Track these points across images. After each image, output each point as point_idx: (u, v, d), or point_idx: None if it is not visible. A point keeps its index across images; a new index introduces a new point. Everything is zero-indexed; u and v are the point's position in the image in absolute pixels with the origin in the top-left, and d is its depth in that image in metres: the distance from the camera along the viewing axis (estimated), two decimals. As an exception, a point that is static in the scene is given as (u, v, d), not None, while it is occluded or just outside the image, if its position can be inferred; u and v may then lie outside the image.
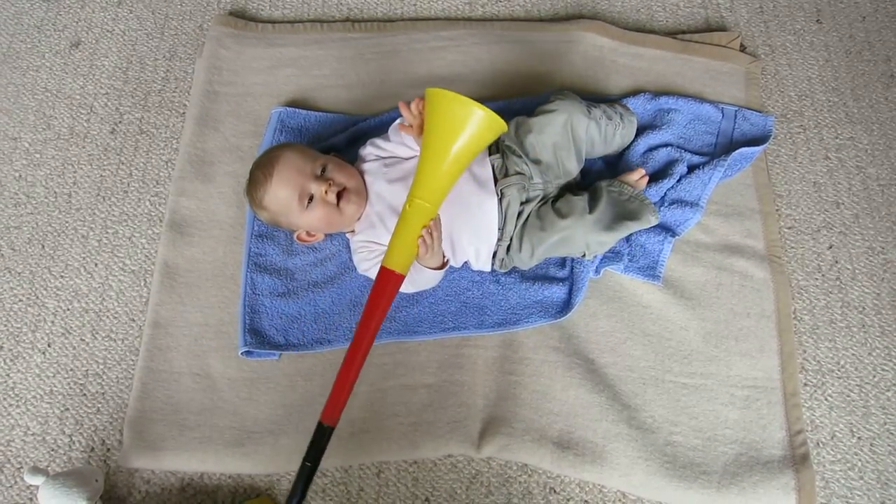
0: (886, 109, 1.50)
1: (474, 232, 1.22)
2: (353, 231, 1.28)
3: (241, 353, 1.25)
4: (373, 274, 1.23)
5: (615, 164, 1.39)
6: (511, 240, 1.23)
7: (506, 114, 1.38)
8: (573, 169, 1.29)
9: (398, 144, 1.28)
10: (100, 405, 1.26)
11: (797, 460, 1.17)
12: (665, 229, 1.31)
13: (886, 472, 1.20)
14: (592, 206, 1.21)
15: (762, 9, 1.62)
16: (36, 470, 1.10)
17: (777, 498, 1.14)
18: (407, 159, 1.27)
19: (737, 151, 1.35)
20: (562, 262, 1.31)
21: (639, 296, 1.29)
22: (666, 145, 1.39)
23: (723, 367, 1.24)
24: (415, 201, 1.08)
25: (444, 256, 1.22)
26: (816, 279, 1.34)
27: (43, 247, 1.40)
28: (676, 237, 1.32)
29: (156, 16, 1.65)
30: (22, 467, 1.22)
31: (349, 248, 1.30)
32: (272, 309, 1.28)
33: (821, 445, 1.21)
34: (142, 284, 1.36)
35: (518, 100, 1.46)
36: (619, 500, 1.18)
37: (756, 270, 1.31)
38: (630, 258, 1.30)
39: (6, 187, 1.46)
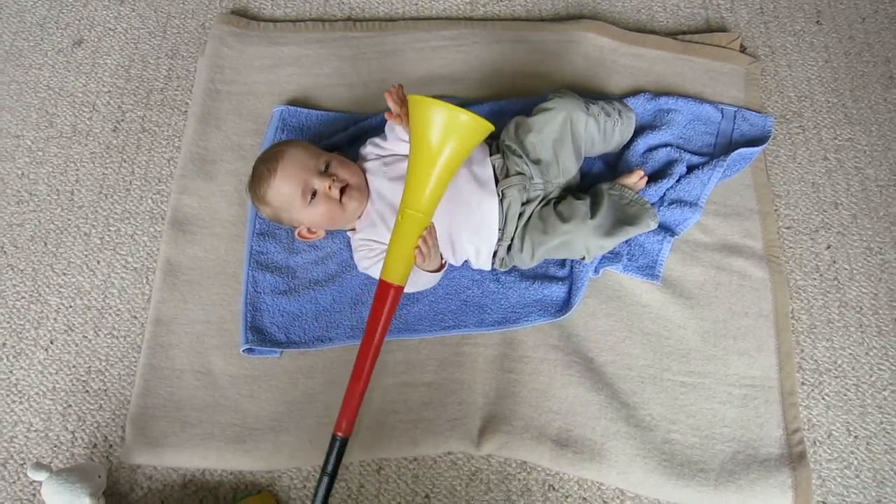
0: (885, 111, 1.52)
1: (475, 231, 1.24)
2: (353, 229, 1.30)
3: (243, 351, 1.27)
4: (373, 272, 1.25)
5: (615, 165, 1.41)
6: (512, 240, 1.25)
7: (506, 114, 1.43)
8: (572, 167, 1.31)
9: (396, 141, 1.30)
10: (102, 402, 1.28)
11: (794, 458, 1.19)
12: (664, 229, 1.33)
13: (882, 470, 1.22)
14: (594, 210, 1.22)
15: (762, 10, 1.64)
16: (39, 466, 1.11)
17: (774, 495, 1.17)
18: (406, 156, 1.29)
19: (736, 152, 1.37)
20: (561, 262, 1.33)
21: (638, 295, 1.31)
22: (666, 145, 1.41)
23: (721, 365, 1.26)
24: (407, 212, 1.10)
25: (441, 259, 1.24)
26: (814, 279, 1.36)
27: (45, 244, 1.42)
28: (675, 237, 1.34)
29: (158, 14, 1.67)
30: (25, 463, 1.24)
31: (350, 246, 1.32)
32: (273, 307, 1.30)
33: (818, 444, 1.24)
34: (144, 282, 1.38)
35: (518, 100, 1.48)
36: (618, 498, 1.20)
37: (754, 270, 1.34)
38: (629, 258, 1.32)
39: (9, 185, 1.48)
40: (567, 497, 1.20)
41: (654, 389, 1.24)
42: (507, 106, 1.47)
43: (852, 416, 1.26)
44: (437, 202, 1.11)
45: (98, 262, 1.40)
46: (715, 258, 1.34)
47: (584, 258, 1.26)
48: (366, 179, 1.28)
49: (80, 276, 1.39)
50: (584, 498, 1.20)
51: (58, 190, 1.47)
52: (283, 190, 1.22)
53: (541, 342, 1.27)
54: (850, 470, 1.22)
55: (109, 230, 1.43)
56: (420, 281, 1.23)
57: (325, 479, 1.10)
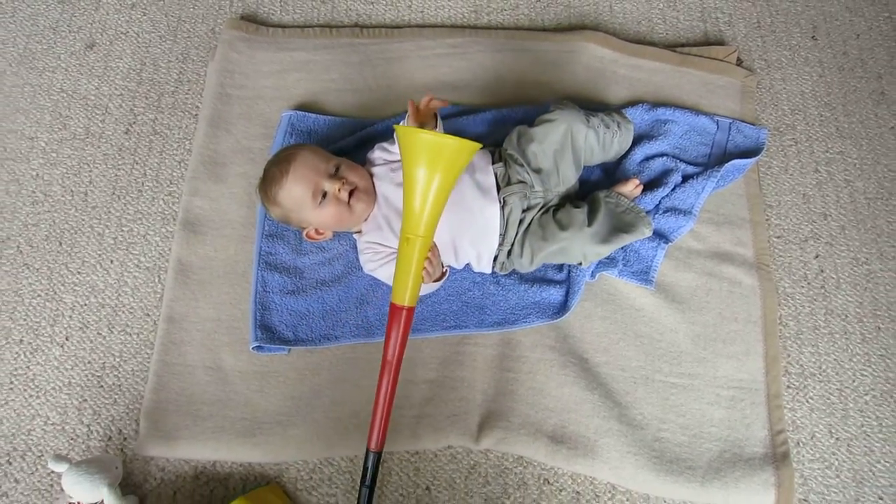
0: (875, 125, 1.63)
1: (477, 236, 1.35)
2: (359, 232, 1.41)
3: (252, 348, 1.38)
4: (379, 274, 1.36)
5: (612, 173, 1.52)
6: (512, 245, 1.36)
7: (508, 122, 1.54)
8: (572, 177, 1.41)
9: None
10: (116, 396, 1.39)
11: (778, 458, 1.31)
12: (659, 236, 1.44)
13: (862, 471, 1.33)
14: (591, 218, 1.33)
15: (759, 24, 1.76)
16: (59, 458, 1.21)
17: (757, 493, 1.28)
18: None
19: (730, 163, 1.49)
20: (559, 266, 1.44)
21: (632, 299, 1.43)
22: (662, 155, 1.52)
23: (710, 368, 1.37)
24: (409, 237, 1.18)
25: (443, 267, 1.35)
26: (802, 287, 1.48)
27: (60, 244, 1.53)
28: (669, 244, 1.45)
29: (168, 18, 1.78)
30: (42, 455, 1.35)
31: (356, 248, 1.43)
32: (282, 306, 1.41)
33: (801, 445, 1.35)
34: (156, 281, 1.49)
35: (520, 108, 1.59)
36: (609, 492, 1.31)
37: (745, 277, 1.45)
38: (624, 263, 1.43)
39: (24, 186, 1.58)
40: (561, 490, 1.31)
41: (646, 390, 1.36)
42: (509, 114, 1.57)
43: (835, 418, 1.37)
44: (437, 222, 1.20)
45: (111, 261, 1.51)
46: (707, 265, 1.45)
47: (580, 263, 1.37)
48: (373, 183, 1.38)
49: (94, 275, 1.49)
50: (578, 492, 1.31)
51: (72, 191, 1.58)
52: (295, 192, 1.32)
53: (538, 343, 1.38)
54: (832, 470, 1.33)
55: (122, 230, 1.54)
56: (427, 289, 1.34)
57: (365, 491, 1.20)
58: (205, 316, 1.43)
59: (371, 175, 1.39)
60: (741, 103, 1.64)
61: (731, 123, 1.59)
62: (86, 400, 1.39)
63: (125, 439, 1.36)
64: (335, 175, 1.33)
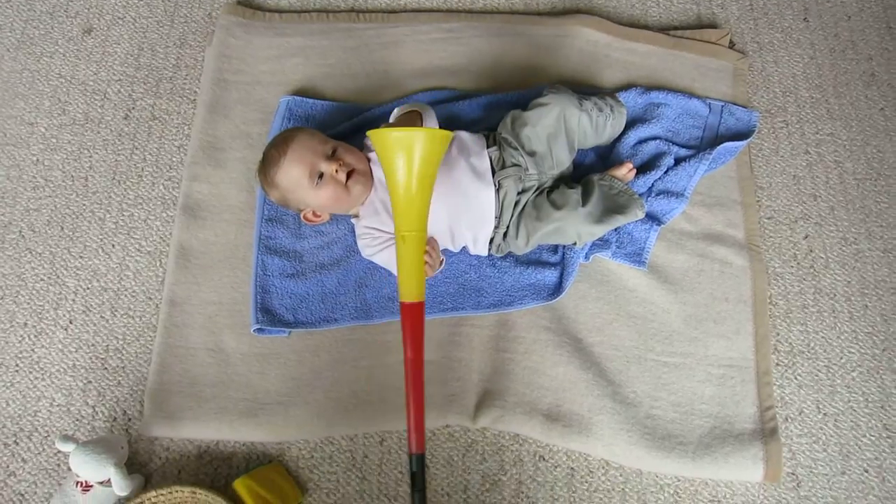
0: (865, 107, 1.64)
1: (472, 220, 1.35)
2: (357, 216, 1.41)
3: (253, 331, 1.39)
4: (377, 259, 1.37)
5: (606, 157, 1.52)
6: (508, 227, 1.37)
7: (503, 106, 1.54)
8: (566, 159, 1.42)
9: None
10: (120, 378, 1.40)
11: (766, 433, 1.33)
12: (651, 218, 1.45)
13: (848, 445, 1.35)
14: (585, 199, 1.34)
15: (752, 6, 1.75)
16: (66, 438, 1.22)
17: (746, 467, 1.30)
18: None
19: (721, 146, 1.49)
20: (554, 248, 1.45)
21: (625, 280, 1.44)
22: (655, 138, 1.52)
23: (701, 347, 1.39)
24: (404, 235, 1.19)
25: (441, 257, 1.36)
26: (792, 267, 1.49)
27: (62, 228, 1.53)
28: (662, 225, 1.45)
29: (165, 3, 1.76)
30: (49, 436, 1.36)
31: (354, 232, 1.43)
32: (282, 289, 1.42)
33: (789, 420, 1.37)
34: (157, 265, 1.49)
35: (514, 93, 1.59)
36: (603, 468, 1.33)
37: (735, 258, 1.46)
38: (618, 245, 1.44)
39: (25, 171, 1.58)
40: (556, 467, 1.33)
41: (639, 368, 1.37)
42: (503, 99, 1.57)
43: (822, 394, 1.39)
44: (427, 214, 1.21)
45: (113, 245, 1.51)
46: (699, 246, 1.46)
47: (575, 244, 1.38)
48: (370, 167, 1.39)
49: (95, 259, 1.50)
50: (572, 468, 1.33)
51: (72, 176, 1.58)
52: (292, 172, 1.32)
53: (534, 324, 1.39)
54: (819, 444, 1.35)
55: (123, 215, 1.54)
56: None
57: (418, 496, 1.18)
58: (206, 299, 1.43)
59: (368, 160, 1.39)
60: (733, 86, 1.64)
61: (723, 106, 1.59)
62: (90, 382, 1.40)
63: (130, 420, 1.37)
64: (332, 157, 1.33)
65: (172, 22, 1.74)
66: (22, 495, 1.32)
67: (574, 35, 1.67)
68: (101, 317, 1.45)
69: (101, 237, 1.52)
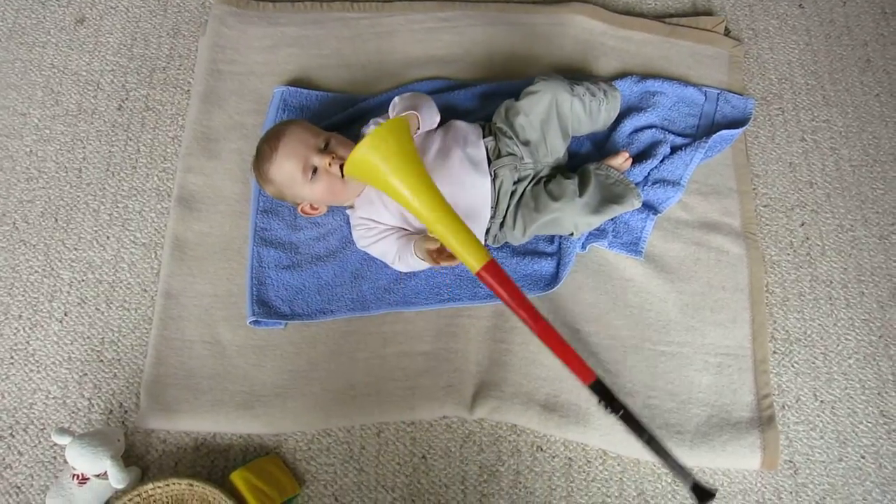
0: (861, 93, 1.59)
1: (469, 209, 1.30)
2: (352, 206, 1.37)
3: (250, 323, 1.34)
4: (372, 251, 1.33)
5: (602, 146, 1.47)
6: (504, 217, 1.32)
7: (498, 96, 1.48)
8: (560, 147, 1.37)
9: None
10: (116, 370, 1.36)
11: (763, 421, 1.29)
12: (648, 207, 1.41)
13: (845, 432, 1.32)
14: (582, 189, 1.29)
15: (747, -7, 1.70)
16: (62, 431, 1.19)
17: (744, 455, 1.26)
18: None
19: (717, 134, 1.44)
20: (550, 238, 1.40)
21: (622, 270, 1.39)
22: (651, 127, 1.47)
23: (698, 336, 1.35)
24: (434, 226, 1.15)
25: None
26: (788, 254, 1.44)
27: (56, 220, 1.47)
28: (658, 214, 1.41)
29: (158, -8, 1.70)
30: (45, 429, 1.31)
31: (350, 223, 1.38)
32: (278, 281, 1.37)
33: (786, 408, 1.33)
34: (152, 257, 1.44)
35: (508, 82, 1.53)
36: (601, 458, 1.30)
37: (732, 246, 1.42)
38: (614, 234, 1.39)
39: (18, 162, 1.52)
40: (554, 457, 1.29)
41: (636, 358, 1.33)
42: (499, 88, 1.52)
43: (819, 382, 1.35)
44: (437, 195, 1.16)
45: (108, 237, 1.46)
46: (695, 235, 1.42)
47: (572, 234, 1.33)
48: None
49: (90, 251, 1.45)
50: (570, 458, 1.29)
51: (66, 167, 1.52)
52: (286, 167, 1.28)
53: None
54: (816, 431, 1.32)
55: (118, 206, 1.48)
56: (415, 263, 1.29)
57: (623, 417, 1.18)
58: (202, 291, 1.39)
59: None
60: (729, 73, 1.59)
61: (718, 94, 1.54)
62: (86, 374, 1.35)
63: (126, 412, 1.33)
64: (325, 150, 1.28)
65: (165, 11, 1.68)
66: (18, 488, 1.28)
67: (569, 23, 1.61)
68: (97, 309, 1.40)
69: (95, 229, 1.47)
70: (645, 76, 1.53)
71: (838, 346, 1.38)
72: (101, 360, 1.36)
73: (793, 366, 1.36)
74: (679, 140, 1.47)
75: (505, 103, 1.35)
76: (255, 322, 1.35)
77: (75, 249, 1.45)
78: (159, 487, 1.21)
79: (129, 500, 1.21)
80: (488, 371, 1.31)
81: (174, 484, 1.21)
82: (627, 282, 1.38)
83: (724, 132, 1.45)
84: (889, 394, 1.34)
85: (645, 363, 1.33)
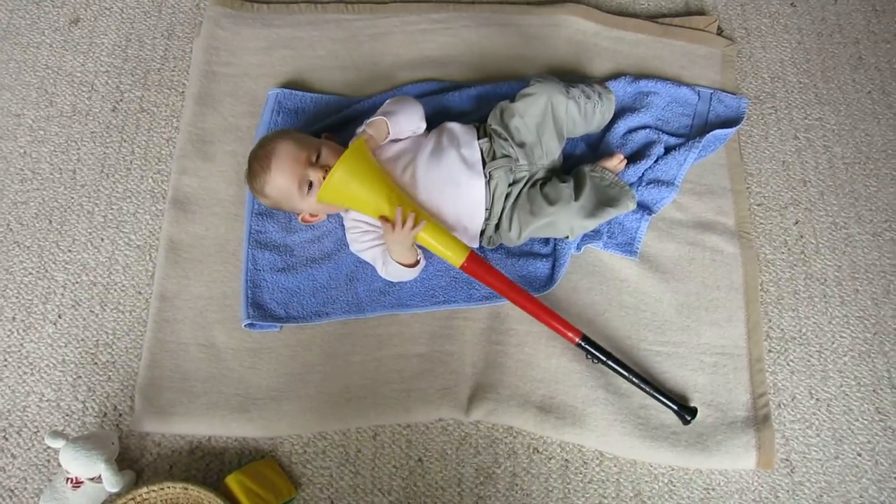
0: (853, 91, 1.54)
1: (463, 211, 1.26)
2: (347, 209, 1.31)
3: (245, 326, 1.29)
4: (365, 256, 1.28)
5: (596, 147, 1.42)
6: (500, 219, 1.27)
7: (492, 97, 1.43)
8: (555, 149, 1.32)
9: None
10: (111, 373, 1.31)
11: (759, 420, 1.25)
12: (642, 207, 1.36)
13: (841, 429, 1.28)
14: (577, 193, 1.24)
15: (740, -8, 1.65)
16: (56, 434, 1.14)
17: (739, 455, 1.22)
18: (400, 140, 1.30)
19: (711, 133, 1.40)
20: (545, 240, 1.35)
21: (617, 270, 1.35)
22: (644, 127, 1.43)
23: (693, 335, 1.31)
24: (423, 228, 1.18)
25: (417, 254, 1.25)
26: (782, 253, 1.40)
27: (50, 222, 1.42)
28: (653, 215, 1.37)
29: (152, -7, 1.64)
30: (38, 432, 1.27)
31: (344, 226, 1.33)
32: (273, 283, 1.32)
33: (782, 406, 1.29)
34: (147, 259, 1.39)
35: (503, 84, 1.48)
36: (597, 459, 1.25)
37: (726, 245, 1.37)
38: (609, 235, 1.35)
39: (12, 163, 1.47)
40: (550, 459, 1.25)
41: (632, 359, 1.28)
42: (493, 90, 1.47)
43: (815, 380, 1.31)
44: (393, 195, 1.18)
45: (102, 239, 1.41)
46: (689, 234, 1.37)
47: (567, 237, 1.28)
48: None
49: (84, 253, 1.39)
50: (567, 459, 1.25)
51: (60, 169, 1.47)
52: (280, 184, 1.23)
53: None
54: (812, 429, 1.28)
55: (112, 208, 1.43)
56: (395, 272, 1.25)
57: (611, 362, 1.23)
58: (197, 294, 1.33)
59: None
60: (722, 73, 1.54)
61: (712, 94, 1.49)
62: (80, 377, 1.30)
63: (120, 415, 1.28)
64: (317, 163, 1.22)
65: (160, 13, 1.62)
66: (11, 491, 1.23)
67: (563, 24, 1.56)
68: (91, 311, 1.35)
69: (89, 231, 1.41)
70: (638, 76, 1.48)
71: (833, 343, 1.33)
72: (96, 363, 1.31)
73: (788, 364, 1.32)
74: (673, 140, 1.43)
75: (500, 105, 1.30)
76: (251, 325, 1.30)
77: (69, 251, 1.40)
78: (154, 491, 1.17)
79: (124, 505, 1.16)
80: (484, 373, 1.27)
81: (169, 488, 1.17)
82: (622, 282, 1.34)
83: (717, 132, 1.41)
84: (884, 390, 1.30)
85: (641, 363, 1.28)
